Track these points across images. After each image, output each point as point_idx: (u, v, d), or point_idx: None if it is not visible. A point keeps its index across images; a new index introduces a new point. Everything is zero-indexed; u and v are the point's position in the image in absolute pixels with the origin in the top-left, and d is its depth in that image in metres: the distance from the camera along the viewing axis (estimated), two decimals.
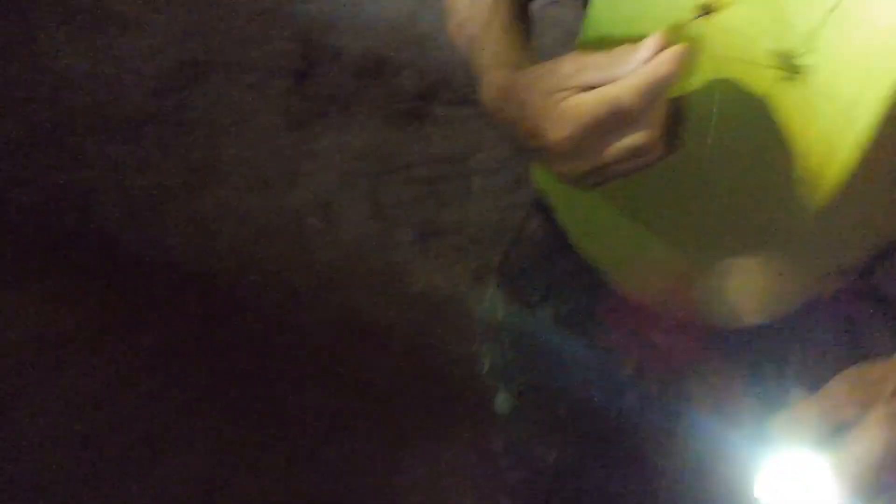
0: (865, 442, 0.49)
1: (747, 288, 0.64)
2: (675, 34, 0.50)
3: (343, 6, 1.64)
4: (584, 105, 0.48)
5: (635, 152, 0.49)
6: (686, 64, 0.48)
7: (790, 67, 0.52)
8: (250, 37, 1.71)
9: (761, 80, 0.53)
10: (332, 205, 1.76)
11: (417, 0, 1.61)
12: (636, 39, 0.55)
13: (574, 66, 0.50)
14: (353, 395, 1.61)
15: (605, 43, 0.59)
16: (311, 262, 1.76)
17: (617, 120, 0.48)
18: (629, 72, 0.48)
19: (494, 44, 0.65)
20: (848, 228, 0.62)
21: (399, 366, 1.65)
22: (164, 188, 1.79)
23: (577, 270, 0.75)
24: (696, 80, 0.54)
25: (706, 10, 0.53)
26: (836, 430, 0.50)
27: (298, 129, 1.74)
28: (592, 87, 0.50)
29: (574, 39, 0.67)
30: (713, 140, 0.56)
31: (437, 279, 1.73)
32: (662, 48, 0.48)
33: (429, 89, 1.67)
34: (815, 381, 0.55)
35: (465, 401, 1.47)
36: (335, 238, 1.76)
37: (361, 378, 1.63)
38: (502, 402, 0.89)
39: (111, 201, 1.78)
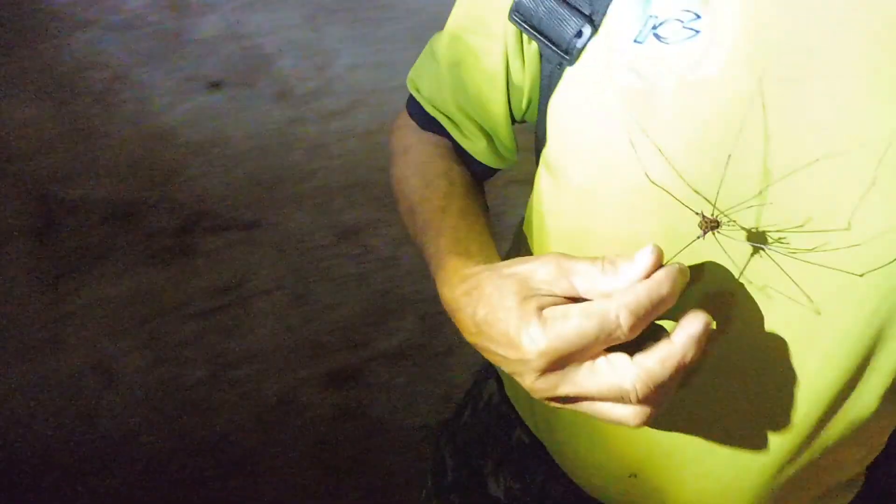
0: None
1: (713, 486, 0.58)
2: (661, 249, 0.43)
3: (78, 156, 1.54)
4: (570, 318, 0.41)
5: (618, 396, 0.42)
6: (683, 285, 0.42)
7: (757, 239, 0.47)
8: None
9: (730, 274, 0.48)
10: (109, 360, 1.65)
11: (154, 139, 1.55)
12: (597, 242, 0.50)
13: (555, 272, 0.44)
14: None
15: (552, 237, 0.56)
16: (97, 426, 1.63)
17: (604, 341, 0.41)
18: (621, 286, 0.42)
19: (452, 230, 0.58)
20: (838, 442, 0.55)
21: None
22: None
23: (533, 445, 0.69)
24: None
25: (712, 225, 0.45)
26: None
27: (51, 289, 1.60)
28: (574, 298, 0.44)
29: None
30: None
31: (238, 411, 1.66)
32: (659, 264, 0.42)
33: (186, 223, 1.62)
34: None
35: None
36: (120, 394, 1.64)
37: None
38: None
39: None
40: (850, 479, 0.62)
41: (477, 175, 0.67)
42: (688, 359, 0.42)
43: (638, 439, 0.58)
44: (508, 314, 0.44)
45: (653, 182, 0.47)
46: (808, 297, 0.47)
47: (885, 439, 0.61)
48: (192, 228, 1.64)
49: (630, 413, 0.43)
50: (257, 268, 1.66)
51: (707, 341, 0.43)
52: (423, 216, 0.61)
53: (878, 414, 0.53)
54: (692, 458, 0.57)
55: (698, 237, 0.45)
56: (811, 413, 0.52)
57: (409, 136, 0.68)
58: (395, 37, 1.69)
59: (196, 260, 1.64)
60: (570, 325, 0.41)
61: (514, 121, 0.63)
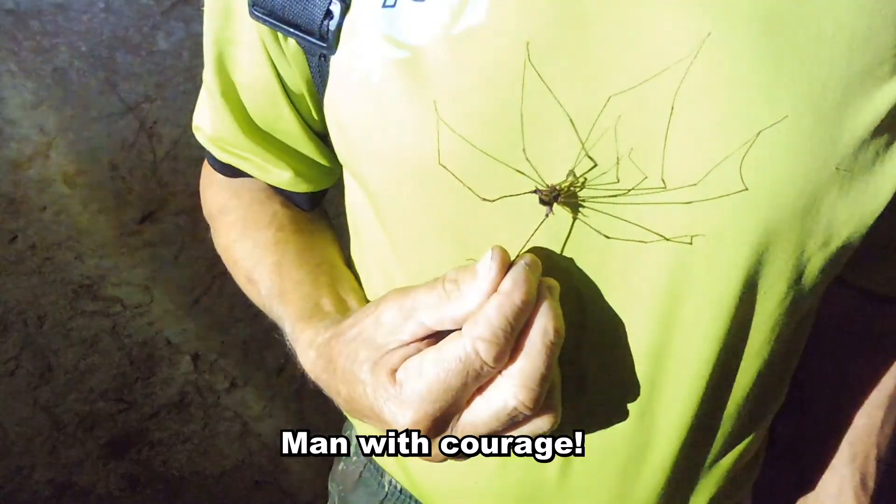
0: None
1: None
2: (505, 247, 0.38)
3: None
4: (427, 374, 0.36)
5: (510, 418, 0.37)
6: (537, 277, 0.37)
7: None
8: None
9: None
10: None
11: None
12: (418, 256, 0.44)
13: (398, 316, 0.38)
14: None
15: (372, 261, 0.49)
16: None
17: (474, 384, 0.36)
18: (471, 308, 0.36)
19: (296, 286, 0.51)
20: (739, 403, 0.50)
21: None
22: None
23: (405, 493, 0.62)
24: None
25: (554, 195, 0.39)
26: None
27: None
28: (428, 336, 0.38)
29: None
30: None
31: None
32: (506, 267, 0.36)
33: None
34: None
35: None
36: None
37: None
38: None
39: None
40: (752, 459, 0.58)
41: (305, 204, 0.60)
42: (521, 301, 0.36)
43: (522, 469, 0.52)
44: (365, 389, 0.39)
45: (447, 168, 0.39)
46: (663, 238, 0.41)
47: (784, 389, 0.56)
48: None
49: (537, 421, 0.39)
50: None
51: (537, 276, 0.38)
52: (263, 283, 0.54)
53: (772, 358, 0.48)
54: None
55: (547, 215, 0.40)
56: (704, 371, 0.46)
57: (221, 193, 0.61)
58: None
59: None
60: (430, 383, 0.36)
61: (319, 134, 0.55)
